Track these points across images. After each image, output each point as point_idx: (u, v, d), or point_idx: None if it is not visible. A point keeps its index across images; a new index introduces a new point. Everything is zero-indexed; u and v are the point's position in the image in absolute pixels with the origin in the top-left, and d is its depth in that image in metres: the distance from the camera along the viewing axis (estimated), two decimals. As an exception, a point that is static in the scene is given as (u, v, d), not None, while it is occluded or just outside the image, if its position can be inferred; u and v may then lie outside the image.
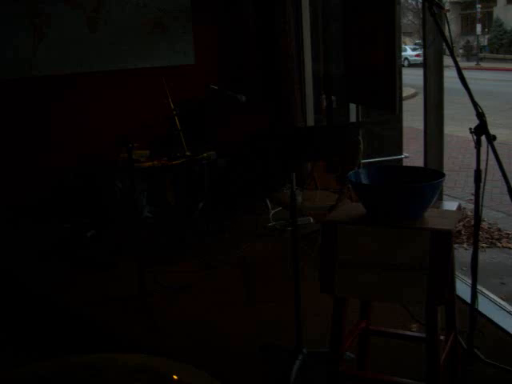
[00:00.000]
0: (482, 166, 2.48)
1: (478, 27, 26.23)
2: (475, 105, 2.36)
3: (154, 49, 5.32)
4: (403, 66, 18.12)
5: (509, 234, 4.81)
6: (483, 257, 4.29)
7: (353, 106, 5.01)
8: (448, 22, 2.96)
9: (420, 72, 5.04)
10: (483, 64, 23.67)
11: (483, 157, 2.43)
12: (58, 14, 5.02)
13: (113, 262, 4.17)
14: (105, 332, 3.19)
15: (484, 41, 27.34)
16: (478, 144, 2.42)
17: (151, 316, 3.32)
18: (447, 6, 24.83)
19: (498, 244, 4.61)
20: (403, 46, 23.31)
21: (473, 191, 2.61)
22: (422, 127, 4.87)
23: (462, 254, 4.28)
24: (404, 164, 5.48)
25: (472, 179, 2.55)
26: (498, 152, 2.29)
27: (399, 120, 5.64)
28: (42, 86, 5.03)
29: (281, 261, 3.97)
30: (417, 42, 26.96)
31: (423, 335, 2.25)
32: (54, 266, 4.18)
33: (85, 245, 4.51)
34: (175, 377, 1.44)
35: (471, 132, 2.41)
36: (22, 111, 5.03)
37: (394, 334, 2.59)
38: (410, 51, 24.75)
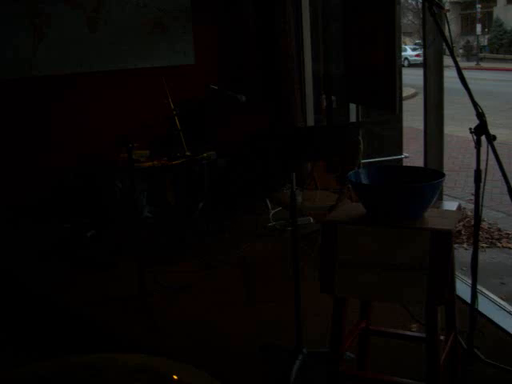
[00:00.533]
0: (482, 166, 2.47)
1: (478, 27, 26.23)
2: (475, 105, 2.36)
3: (154, 49, 5.32)
4: (403, 66, 18.12)
5: (509, 233, 4.81)
6: (483, 257, 4.29)
7: (353, 106, 5.00)
8: (448, 22, 2.96)
9: (420, 72, 5.04)
10: (483, 64, 23.67)
11: (483, 157, 2.43)
12: (58, 14, 5.02)
13: (113, 262, 4.17)
14: (105, 332, 3.19)
15: (484, 41, 27.34)
16: (478, 144, 2.42)
17: (151, 316, 3.32)
18: (447, 6, 24.83)
19: (498, 244, 4.61)
20: (403, 46, 23.31)
21: (473, 191, 2.61)
22: (422, 127, 4.87)
23: (462, 253, 4.28)
24: (404, 164, 5.48)
25: (472, 179, 2.55)
26: (498, 152, 2.29)
27: (399, 120, 5.63)
28: (42, 86, 5.03)
29: (281, 261, 3.97)
30: (417, 41, 26.96)
31: (423, 335, 2.25)
32: (54, 266, 4.18)
33: (85, 245, 4.51)
34: (175, 377, 1.44)
35: (471, 132, 2.41)
36: (22, 111, 5.03)
37: (394, 334, 2.59)
38: (409, 51, 24.75)
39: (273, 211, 4.95)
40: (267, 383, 2.75)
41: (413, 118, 9.22)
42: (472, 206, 4.02)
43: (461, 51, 26.63)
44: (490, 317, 3.09)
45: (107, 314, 3.40)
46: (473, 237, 2.61)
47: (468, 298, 2.70)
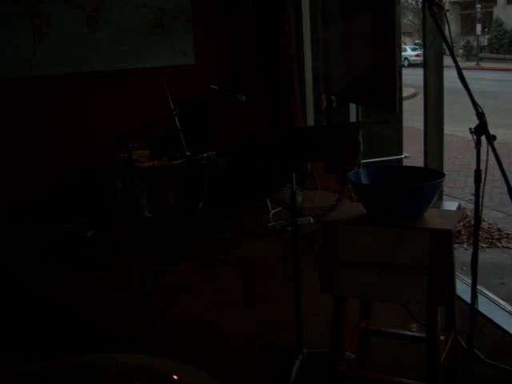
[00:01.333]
0: (482, 166, 2.48)
1: (478, 27, 26.22)
2: (475, 105, 2.36)
3: (154, 49, 5.32)
4: (403, 66, 18.12)
5: (509, 233, 4.81)
6: (483, 257, 4.29)
7: (353, 106, 5.01)
8: (448, 22, 2.96)
9: (420, 72, 5.03)
10: (483, 64, 23.66)
11: (483, 157, 2.43)
12: (57, 14, 5.02)
13: (113, 262, 4.17)
14: (105, 332, 3.19)
15: (484, 41, 27.33)
16: (478, 144, 2.42)
17: (151, 316, 3.32)
18: (447, 6, 24.80)
19: (498, 244, 4.61)
20: (403, 46, 23.30)
21: (473, 191, 2.61)
22: (422, 127, 4.87)
23: (462, 253, 4.28)
24: (404, 164, 5.48)
25: (472, 179, 2.55)
26: (498, 152, 2.29)
27: (399, 120, 5.63)
28: (42, 86, 5.03)
29: (281, 261, 3.97)
30: (417, 41, 26.95)
31: (423, 335, 2.25)
32: (54, 266, 4.18)
33: (85, 245, 4.51)
34: (175, 377, 1.43)
35: (471, 132, 2.41)
36: (22, 111, 5.03)
37: (394, 334, 2.59)
38: (409, 51, 24.74)
39: (273, 211, 4.95)
40: (267, 383, 2.75)
41: (413, 118, 9.21)
42: (472, 206, 4.00)
43: (461, 51, 26.62)
44: (489, 317, 3.09)
45: (107, 314, 3.40)
46: (473, 237, 2.61)
47: (468, 298, 2.70)
